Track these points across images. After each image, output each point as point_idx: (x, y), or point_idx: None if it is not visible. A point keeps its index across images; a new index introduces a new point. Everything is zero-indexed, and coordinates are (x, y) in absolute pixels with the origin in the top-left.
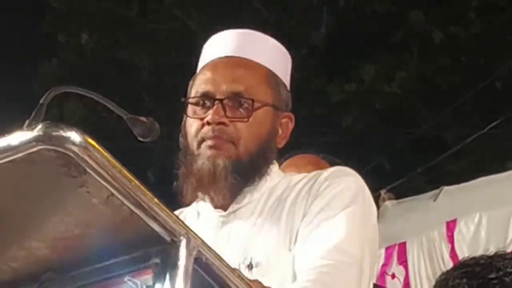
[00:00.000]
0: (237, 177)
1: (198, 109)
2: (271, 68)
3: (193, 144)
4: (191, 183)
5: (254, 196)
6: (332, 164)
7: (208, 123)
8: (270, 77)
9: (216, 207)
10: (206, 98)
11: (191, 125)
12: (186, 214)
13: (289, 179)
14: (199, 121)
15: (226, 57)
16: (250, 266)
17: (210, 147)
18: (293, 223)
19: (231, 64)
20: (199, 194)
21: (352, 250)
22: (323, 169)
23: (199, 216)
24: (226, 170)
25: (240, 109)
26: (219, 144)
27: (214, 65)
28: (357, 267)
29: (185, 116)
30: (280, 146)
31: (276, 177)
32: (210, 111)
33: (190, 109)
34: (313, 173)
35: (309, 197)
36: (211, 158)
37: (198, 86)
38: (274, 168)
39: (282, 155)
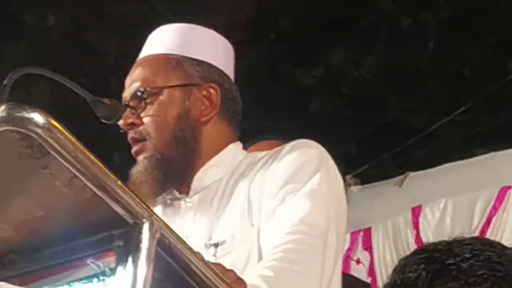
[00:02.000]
0: (158, 172)
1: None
2: (168, 52)
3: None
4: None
5: (218, 174)
6: None
7: (125, 130)
8: (168, 61)
9: (180, 192)
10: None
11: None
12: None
13: (252, 156)
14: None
15: (136, 62)
16: (215, 245)
17: (134, 154)
18: (252, 196)
19: (134, 67)
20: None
21: (317, 222)
22: None
23: (165, 202)
24: (145, 171)
25: (140, 104)
26: (139, 148)
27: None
28: (322, 239)
29: None
30: (208, 117)
31: (240, 156)
32: None
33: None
34: (276, 148)
35: (271, 169)
36: (135, 167)
37: None
38: (237, 146)
39: (247, 140)
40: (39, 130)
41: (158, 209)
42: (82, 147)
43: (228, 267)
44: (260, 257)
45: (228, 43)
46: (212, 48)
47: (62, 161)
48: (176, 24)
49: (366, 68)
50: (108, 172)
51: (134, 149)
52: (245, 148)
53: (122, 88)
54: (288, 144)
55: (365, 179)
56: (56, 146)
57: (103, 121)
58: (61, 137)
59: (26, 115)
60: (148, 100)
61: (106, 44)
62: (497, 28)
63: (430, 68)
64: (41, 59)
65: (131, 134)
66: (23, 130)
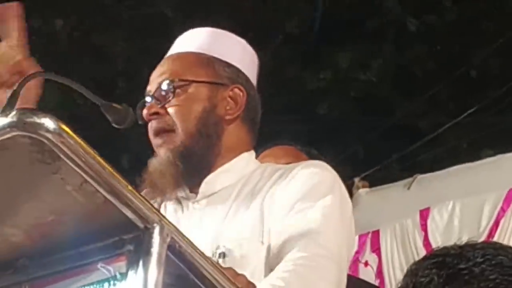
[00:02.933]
0: (180, 164)
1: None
2: (200, 51)
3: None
4: (148, 186)
5: (229, 181)
6: (311, 155)
7: (150, 120)
8: (200, 59)
9: (190, 191)
10: (147, 99)
11: (148, 127)
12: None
13: (264, 169)
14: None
15: (164, 59)
16: (222, 255)
17: (157, 147)
18: (265, 215)
19: (163, 63)
20: (156, 192)
21: (328, 244)
22: (299, 159)
23: (176, 201)
24: (168, 163)
25: (168, 95)
26: (162, 142)
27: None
28: (334, 261)
29: None
30: (232, 117)
31: (253, 165)
32: None
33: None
34: (289, 165)
35: (284, 190)
36: (158, 156)
37: None
38: (250, 155)
39: (260, 145)
40: (49, 135)
41: (168, 205)
42: (92, 152)
43: None
44: (266, 276)
45: (255, 55)
46: (241, 55)
47: (73, 166)
48: (209, 28)
49: (374, 71)
50: (119, 177)
51: (158, 140)
52: (260, 152)
53: (130, 91)
54: (301, 163)
55: (373, 182)
56: (67, 151)
57: (114, 125)
58: (71, 142)
59: (37, 120)
60: (175, 92)
61: (114, 48)
62: (503, 31)
63: (437, 71)
64: (49, 63)
65: (155, 124)
66: (34, 135)
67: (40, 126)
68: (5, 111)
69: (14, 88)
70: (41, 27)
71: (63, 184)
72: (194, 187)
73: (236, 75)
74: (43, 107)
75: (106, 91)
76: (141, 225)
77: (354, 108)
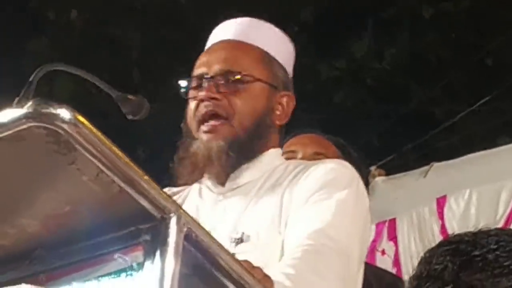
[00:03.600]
0: (232, 155)
1: (195, 92)
2: (266, 49)
3: (193, 126)
4: (185, 166)
5: (254, 176)
6: (336, 143)
7: (202, 100)
8: (264, 57)
9: (215, 184)
10: (201, 80)
11: (190, 107)
12: (190, 191)
13: (287, 165)
14: (195, 102)
15: (221, 41)
16: (239, 240)
17: (206, 132)
18: (286, 208)
19: (225, 46)
20: (196, 174)
21: (337, 237)
22: (326, 148)
23: (201, 193)
24: (220, 151)
25: (232, 84)
26: (214, 128)
27: (210, 49)
28: (340, 254)
29: (187, 102)
30: (279, 123)
31: (277, 161)
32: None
33: (189, 93)
34: (310, 162)
35: (302, 184)
36: (206, 142)
37: (195, 70)
38: (277, 152)
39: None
40: (65, 126)
41: (195, 188)
42: (108, 142)
43: None
44: None
45: (294, 50)
46: (291, 59)
47: (89, 156)
48: (268, 23)
49: (389, 60)
50: (135, 167)
51: (209, 124)
52: (287, 139)
53: (144, 82)
54: (323, 161)
55: (389, 170)
56: (82, 141)
57: (129, 116)
58: (87, 132)
59: (53, 111)
60: (240, 85)
61: (129, 38)
62: None
63: (452, 59)
64: (63, 54)
65: (211, 107)
66: (50, 126)
67: (56, 116)
68: (20, 102)
69: (30, 79)
70: (56, 19)
71: (79, 175)
72: (219, 181)
73: (288, 80)
74: (58, 98)
75: (122, 82)
76: (157, 215)
77: (369, 96)
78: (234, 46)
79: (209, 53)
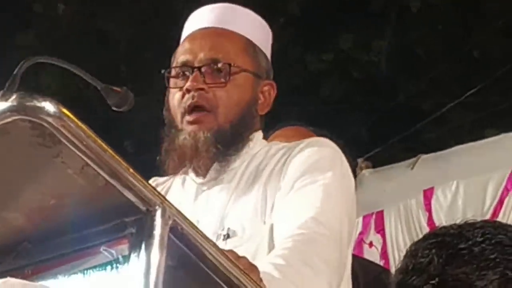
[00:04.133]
0: (219, 147)
1: (178, 80)
2: (249, 38)
3: (177, 117)
4: (172, 158)
5: (236, 163)
6: (320, 136)
7: (188, 91)
8: (248, 45)
9: (197, 175)
10: (185, 68)
11: (173, 97)
12: (172, 182)
13: (268, 148)
14: (180, 91)
15: (205, 28)
16: (226, 236)
17: (191, 122)
18: (268, 195)
19: (209, 34)
20: (182, 166)
21: (328, 222)
22: None
23: (184, 184)
24: (207, 142)
25: (218, 75)
26: (198, 118)
27: (192, 36)
28: (333, 239)
29: (168, 89)
30: (262, 113)
31: (258, 146)
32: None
33: (171, 81)
34: (291, 143)
35: (285, 168)
36: (192, 133)
37: (178, 58)
38: (258, 135)
39: (271, 126)
40: (50, 119)
41: (178, 179)
42: (93, 135)
43: None
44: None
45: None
46: (269, 43)
47: (74, 149)
48: (245, 8)
49: (376, 52)
50: (120, 160)
51: (193, 116)
52: (270, 134)
53: (132, 75)
54: (302, 141)
55: (376, 163)
56: (67, 134)
57: (114, 108)
58: (72, 125)
59: (38, 104)
60: (227, 76)
61: (116, 31)
62: (506, 10)
63: (440, 51)
64: (51, 47)
65: (196, 99)
66: (34, 119)
67: (41, 110)
68: (5, 96)
69: (14, 72)
70: (43, 12)
71: (64, 168)
72: (203, 172)
73: (269, 68)
74: (44, 91)
75: (109, 76)
76: (143, 207)
77: (357, 89)
78: (218, 33)
79: (192, 41)
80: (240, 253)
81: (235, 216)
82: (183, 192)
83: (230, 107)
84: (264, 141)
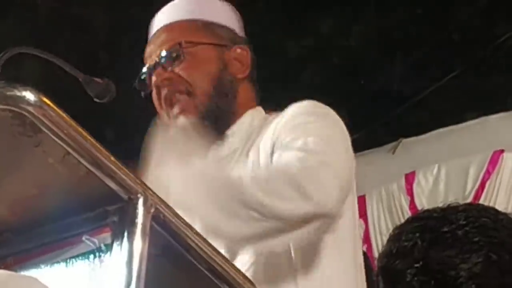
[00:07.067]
0: (208, 123)
1: (150, 84)
2: (199, 18)
3: (164, 116)
4: None
5: (235, 145)
6: None
7: (158, 87)
8: (199, 24)
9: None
10: (149, 71)
11: (154, 98)
12: None
13: (265, 120)
14: (155, 93)
15: (157, 31)
16: None
17: (177, 114)
18: (260, 154)
19: (158, 34)
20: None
21: (319, 148)
22: None
23: None
24: (196, 127)
25: (177, 59)
26: (182, 107)
27: (148, 43)
28: (324, 163)
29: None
30: (242, 76)
31: (256, 121)
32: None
33: (148, 88)
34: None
35: (279, 129)
36: (182, 124)
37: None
38: (256, 112)
39: None
40: (31, 108)
41: None
42: (74, 124)
43: None
44: None
45: (239, 15)
46: (231, 16)
47: (55, 138)
48: None
49: (355, 37)
50: (101, 148)
51: (175, 109)
52: None
53: (112, 64)
54: (296, 103)
55: (357, 147)
56: (48, 123)
57: (95, 99)
58: (53, 114)
59: (18, 93)
60: (184, 54)
61: (95, 19)
62: None
63: (419, 34)
64: (29, 35)
65: (168, 87)
66: (14, 109)
67: (21, 99)
68: None
69: None
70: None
71: (45, 157)
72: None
73: (234, 36)
74: (26, 81)
75: (89, 63)
76: (124, 196)
77: (337, 74)
78: (167, 28)
79: (149, 45)
80: None
81: None
82: None
83: (202, 80)
84: (262, 115)
